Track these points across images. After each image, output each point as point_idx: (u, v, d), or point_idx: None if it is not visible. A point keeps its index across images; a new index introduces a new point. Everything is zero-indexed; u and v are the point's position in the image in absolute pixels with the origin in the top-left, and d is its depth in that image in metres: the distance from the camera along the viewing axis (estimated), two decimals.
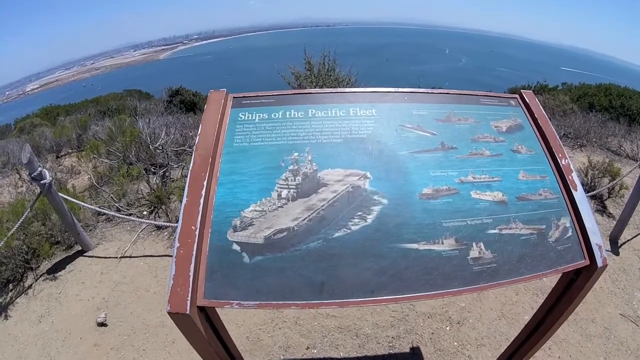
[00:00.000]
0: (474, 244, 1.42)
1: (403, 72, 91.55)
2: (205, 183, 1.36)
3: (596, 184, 5.26)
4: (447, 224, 1.42)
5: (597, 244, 1.60)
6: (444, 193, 1.47)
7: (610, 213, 4.93)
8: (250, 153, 1.47)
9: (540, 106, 1.99)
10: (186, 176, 4.53)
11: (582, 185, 5.28)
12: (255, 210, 1.34)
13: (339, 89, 1.71)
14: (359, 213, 1.37)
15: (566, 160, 1.82)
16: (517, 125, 1.85)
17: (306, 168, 1.41)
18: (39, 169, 3.10)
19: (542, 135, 1.87)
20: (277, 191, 1.37)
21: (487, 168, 1.62)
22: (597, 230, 1.64)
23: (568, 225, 1.62)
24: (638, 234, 4.60)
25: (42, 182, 3.12)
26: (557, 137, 1.90)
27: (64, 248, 3.84)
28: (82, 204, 3.64)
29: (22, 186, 5.22)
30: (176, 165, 4.93)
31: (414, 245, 1.36)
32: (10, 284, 3.46)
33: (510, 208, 1.55)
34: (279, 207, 1.35)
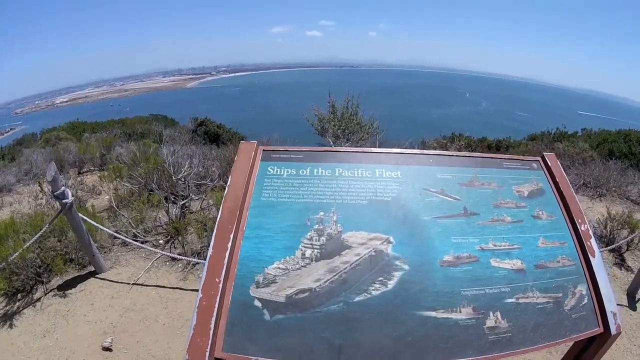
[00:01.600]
0: (490, 313, 1.43)
1: (424, 113, 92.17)
2: (231, 236, 1.40)
3: (615, 236, 5.18)
4: (465, 292, 1.43)
5: (612, 312, 1.60)
6: (465, 260, 1.49)
7: (628, 266, 4.83)
8: (277, 209, 1.50)
9: (562, 169, 2.01)
10: (205, 209, 4.55)
11: (601, 237, 5.21)
12: (279, 268, 1.36)
13: (366, 149, 1.75)
14: (380, 278, 1.39)
15: (585, 226, 1.83)
16: (539, 190, 1.87)
17: (331, 229, 1.44)
18: (62, 188, 3.17)
19: (562, 199, 1.89)
20: (302, 250, 1.40)
21: (507, 235, 1.63)
22: (612, 297, 1.65)
23: (584, 292, 1.63)
24: None
25: (63, 201, 3.18)
26: (577, 201, 1.92)
27: (77, 267, 3.88)
28: (101, 227, 3.70)
29: (42, 198, 5.31)
30: (196, 197, 4.98)
31: (433, 313, 1.37)
32: (19, 294, 3.48)
33: (528, 276, 1.56)
34: (302, 266, 1.37)
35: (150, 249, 3.73)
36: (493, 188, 1.78)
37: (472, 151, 10.27)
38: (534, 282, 1.56)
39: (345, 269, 1.38)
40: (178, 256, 3.69)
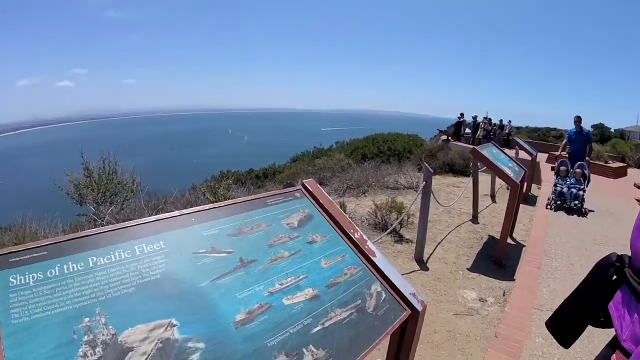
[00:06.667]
0: (304, 350, 1.41)
1: (189, 157, 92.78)
2: None
3: (387, 220, 6.11)
4: (271, 343, 1.38)
5: (411, 293, 1.80)
6: (257, 312, 1.45)
7: (407, 239, 5.79)
8: (35, 330, 1.14)
9: (323, 191, 2.22)
10: None
11: (376, 225, 6.11)
12: None
13: (119, 225, 1.50)
14: None
15: (358, 233, 2.05)
16: (307, 216, 2.00)
17: (103, 335, 1.19)
18: None
19: (331, 217, 2.07)
20: None
21: (290, 269, 1.67)
22: (406, 282, 1.86)
23: (380, 289, 1.79)
24: (436, 246, 5.62)
25: None
26: (345, 215, 2.14)
27: None
28: None
29: None
30: None
31: None
32: None
33: (324, 299, 1.62)
34: None
35: None
36: (264, 229, 1.81)
37: (242, 184, 10.83)
38: (331, 302, 1.61)
39: None
40: None
